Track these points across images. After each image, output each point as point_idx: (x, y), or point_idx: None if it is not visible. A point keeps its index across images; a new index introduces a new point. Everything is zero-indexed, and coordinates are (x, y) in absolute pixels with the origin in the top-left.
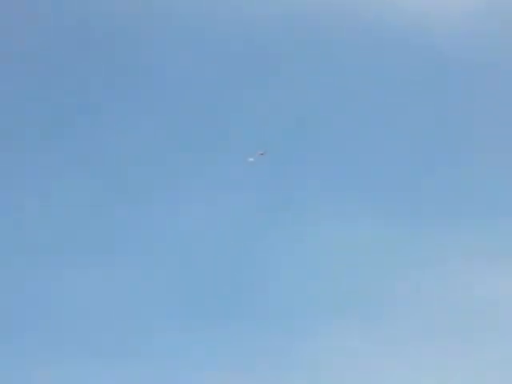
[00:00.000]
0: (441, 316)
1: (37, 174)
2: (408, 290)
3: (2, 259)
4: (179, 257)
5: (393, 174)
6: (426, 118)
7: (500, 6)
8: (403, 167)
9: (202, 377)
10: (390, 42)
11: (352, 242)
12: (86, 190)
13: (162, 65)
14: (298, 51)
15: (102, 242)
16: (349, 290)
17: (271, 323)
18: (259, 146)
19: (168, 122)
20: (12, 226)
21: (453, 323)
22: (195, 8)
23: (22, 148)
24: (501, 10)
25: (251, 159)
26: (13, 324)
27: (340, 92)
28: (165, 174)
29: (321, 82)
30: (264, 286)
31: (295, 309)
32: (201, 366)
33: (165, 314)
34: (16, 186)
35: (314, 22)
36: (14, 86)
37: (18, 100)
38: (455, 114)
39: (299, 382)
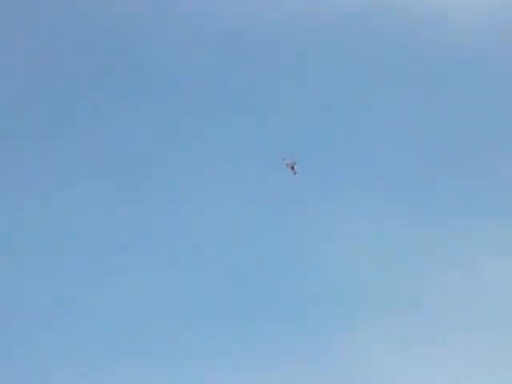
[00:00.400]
0: (469, 313)
1: (39, 174)
2: (437, 287)
3: (15, 258)
4: (193, 255)
5: (419, 169)
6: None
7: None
8: (429, 164)
9: (229, 376)
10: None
11: (379, 238)
12: (92, 188)
13: (165, 65)
14: (308, 50)
15: (108, 241)
16: (376, 287)
17: (297, 321)
18: (268, 144)
19: (174, 119)
20: (29, 224)
21: (482, 320)
22: (197, 8)
23: (23, 148)
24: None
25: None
26: (26, 322)
27: (358, 88)
28: (171, 173)
29: (331, 82)
30: (284, 286)
31: (321, 308)
32: (228, 365)
33: (178, 311)
34: (17, 185)
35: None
36: (14, 85)
37: (18, 100)
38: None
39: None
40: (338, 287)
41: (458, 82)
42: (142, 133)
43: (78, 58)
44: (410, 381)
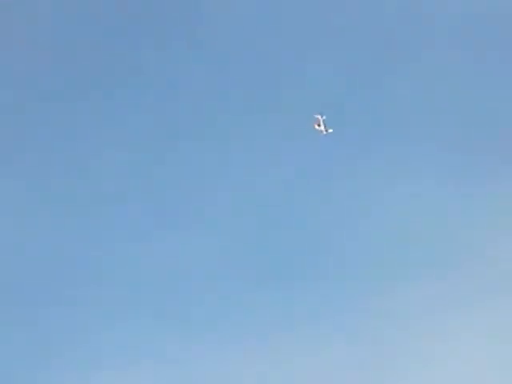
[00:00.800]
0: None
1: None
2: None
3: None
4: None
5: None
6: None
7: None
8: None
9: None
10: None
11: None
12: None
13: (165, 65)
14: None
15: (111, 241)
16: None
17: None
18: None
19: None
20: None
21: None
22: (196, 8)
23: (23, 148)
24: None
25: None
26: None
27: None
28: (171, 173)
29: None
30: (333, 243)
31: (367, 267)
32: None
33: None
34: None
35: None
36: (14, 85)
37: (18, 100)
38: None
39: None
40: (378, 246)
41: (459, 72)
42: (142, 132)
43: (78, 58)
44: (448, 341)
